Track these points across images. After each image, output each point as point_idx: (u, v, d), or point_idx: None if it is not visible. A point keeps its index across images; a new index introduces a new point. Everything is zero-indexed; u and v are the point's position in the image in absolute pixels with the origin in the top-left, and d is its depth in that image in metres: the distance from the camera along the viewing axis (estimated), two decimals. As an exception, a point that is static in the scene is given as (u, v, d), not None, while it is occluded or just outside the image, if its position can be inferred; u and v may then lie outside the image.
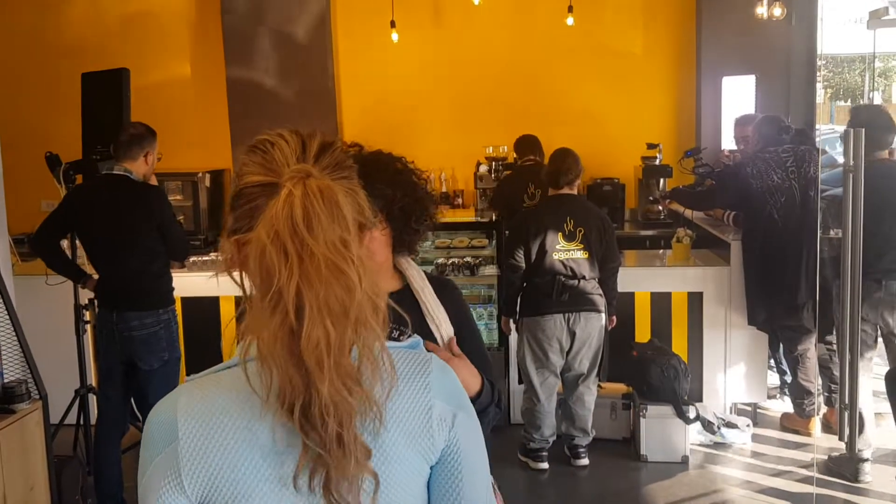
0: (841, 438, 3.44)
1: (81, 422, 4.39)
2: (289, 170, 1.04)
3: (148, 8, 7.35)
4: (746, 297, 4.78)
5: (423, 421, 1.09)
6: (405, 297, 1.79)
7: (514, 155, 6.05)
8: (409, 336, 1.20)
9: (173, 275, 4.06)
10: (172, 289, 3.97)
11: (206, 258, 5.17)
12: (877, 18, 4.82)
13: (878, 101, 17.01)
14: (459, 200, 6.95)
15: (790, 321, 4.66)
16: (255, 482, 1.04)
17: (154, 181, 4.01)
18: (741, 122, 5.51)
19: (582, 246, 4.26)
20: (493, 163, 6.71)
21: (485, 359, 1.88)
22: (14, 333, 3.17)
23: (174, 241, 3.89)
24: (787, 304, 4.62)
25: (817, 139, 5.71)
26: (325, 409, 0.99)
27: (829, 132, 16.00)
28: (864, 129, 3.21)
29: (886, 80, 17.62)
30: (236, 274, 1.09)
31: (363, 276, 1.02)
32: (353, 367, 1.02)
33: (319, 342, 0.99)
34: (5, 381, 3.15)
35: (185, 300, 4.94)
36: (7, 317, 3.20)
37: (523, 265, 4.32)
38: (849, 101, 18.84)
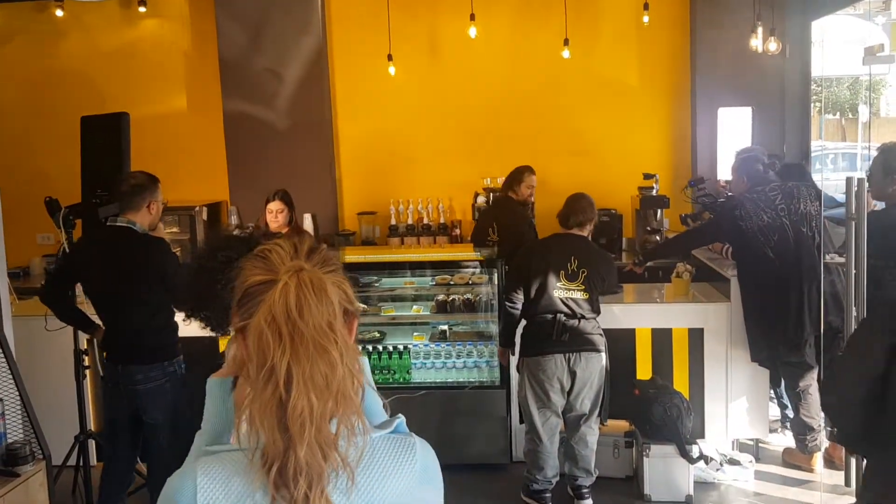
0: (848, 484, 3.43)
1: (81, 464, 4.35)
2: (285, 266, 1.21)
3: (144, 41, 7.34)
4: (747, 333, 4.78)
5: (409, 497, 1.25)
6: None
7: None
8: (396, 417, 1.33)
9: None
10: (178, 340, 3.88)
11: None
12: (872, 55, 4.84)
13: (866, 114, 17.06)
14: (457, 231, 6.93)
15: (792, 357, 4.66)
16: None
17: (162, 229, 3.94)
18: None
19: (583, 287, 4.27)
20: (491, 194, 6.73)
21: None
22: (17, 391, 3.13)
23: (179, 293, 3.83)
24: (789, 340, 4.62)
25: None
26: (298, 470, 1.13)
27: (819, 149, 16.06)
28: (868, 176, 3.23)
29: (875, 93, 17.70)
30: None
31: (345, 354, 1.18)
32: (331, 434, 1.17)
33: (304, 411, 1.14)
34: (8, 441, 3.11)
35: (181, 339, 4.89)
36: (10, 374, 3.16)
37: (520, 305, 4.34)
38: (837, 114, 18.93)
